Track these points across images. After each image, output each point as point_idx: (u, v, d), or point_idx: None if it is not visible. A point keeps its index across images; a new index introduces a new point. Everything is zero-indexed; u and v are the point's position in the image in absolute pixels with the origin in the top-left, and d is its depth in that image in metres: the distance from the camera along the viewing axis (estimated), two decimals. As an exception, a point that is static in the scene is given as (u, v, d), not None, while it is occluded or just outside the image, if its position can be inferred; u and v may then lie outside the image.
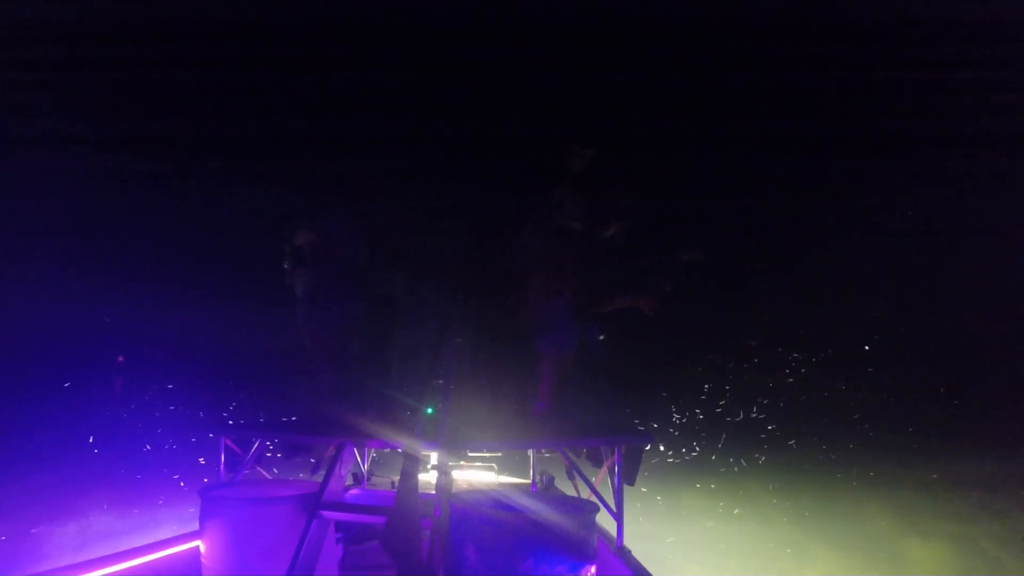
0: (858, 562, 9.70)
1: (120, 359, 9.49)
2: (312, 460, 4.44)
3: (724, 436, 11.27)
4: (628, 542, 3.84)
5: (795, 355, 11.51)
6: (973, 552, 9.52)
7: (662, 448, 11.01)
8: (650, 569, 3.64)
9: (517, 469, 6.37)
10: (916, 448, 10.48)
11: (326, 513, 3.49)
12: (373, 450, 6.01)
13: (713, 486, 11.11)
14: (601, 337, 4.40)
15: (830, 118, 9.98)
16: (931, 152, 9.84)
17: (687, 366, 11.29)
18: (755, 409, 11.35)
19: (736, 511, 10.78)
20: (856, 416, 11.04)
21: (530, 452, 5.60)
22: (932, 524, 9.89)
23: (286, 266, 4.58)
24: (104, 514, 8.87)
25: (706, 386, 11.44)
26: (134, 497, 9.17)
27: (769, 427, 11.29)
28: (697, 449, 11.29)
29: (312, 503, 3.49)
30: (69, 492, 8.64)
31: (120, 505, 9.02)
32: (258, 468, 4.36)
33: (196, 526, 3.75)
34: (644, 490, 10.26)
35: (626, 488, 3.88)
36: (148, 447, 9.67)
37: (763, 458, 11.13)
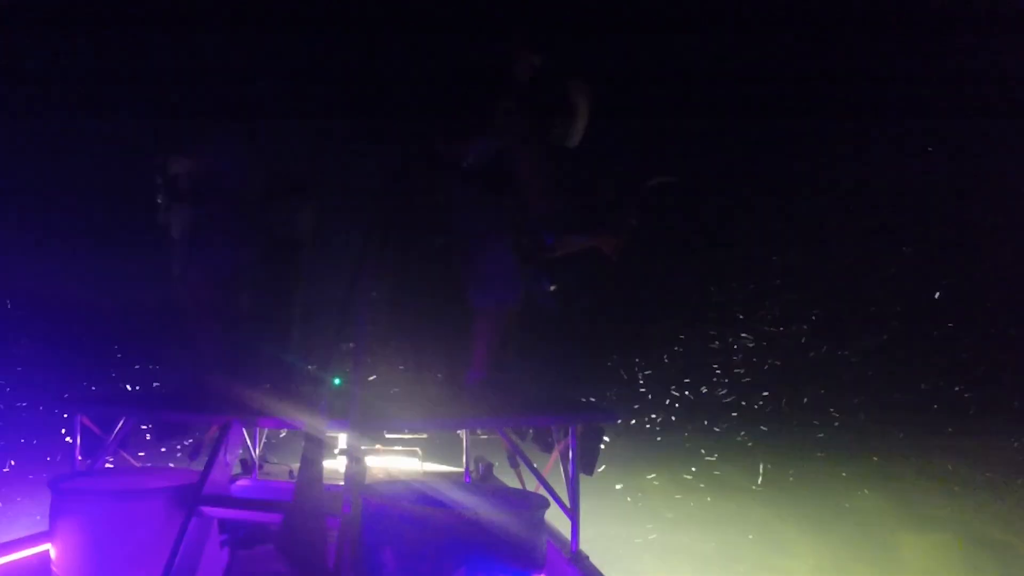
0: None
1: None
2: (190, 442, 4.18)
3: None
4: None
5: (787, 314, 11.12)
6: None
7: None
8: None
9: (446, 455, 6.03)
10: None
11: (207, 509, 3.19)
12: (266, 431, 5.56)
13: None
14: (552, 288, 3.95)
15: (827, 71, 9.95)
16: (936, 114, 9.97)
17: (661, 326, 10.76)
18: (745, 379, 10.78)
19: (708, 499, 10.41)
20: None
21: (462, 433, 5.32)
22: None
23: (159, 200, 4.06)
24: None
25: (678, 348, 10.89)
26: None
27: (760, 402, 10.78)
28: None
29: (190, 497, 3.17)
30: None
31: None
32: (122, 453, 3.99)
33: (45, 525, 3.37)
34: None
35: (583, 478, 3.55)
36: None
37: (750, 442, 10.67)
